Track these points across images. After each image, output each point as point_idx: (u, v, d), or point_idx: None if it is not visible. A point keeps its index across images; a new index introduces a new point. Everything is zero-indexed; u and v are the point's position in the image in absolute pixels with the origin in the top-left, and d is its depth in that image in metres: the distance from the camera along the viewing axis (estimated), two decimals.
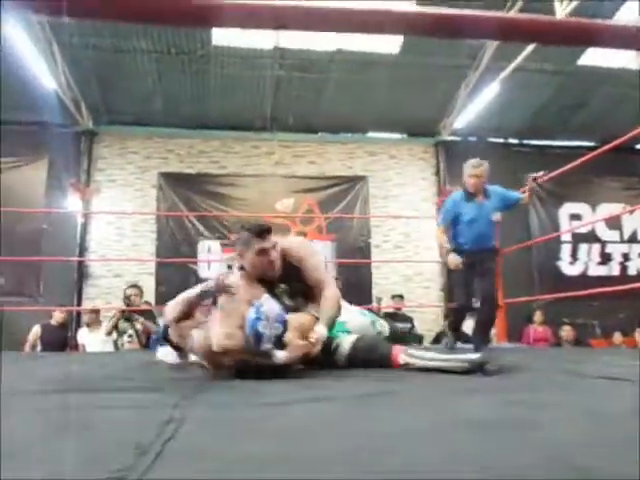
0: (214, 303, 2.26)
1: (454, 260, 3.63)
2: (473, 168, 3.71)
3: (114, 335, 5.30)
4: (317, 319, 2.24)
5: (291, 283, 2.40)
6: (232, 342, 2.03)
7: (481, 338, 3.68)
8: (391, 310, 6.58)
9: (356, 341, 2.34)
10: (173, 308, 2.35)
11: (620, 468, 0.77)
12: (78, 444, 0.96)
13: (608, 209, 9.02)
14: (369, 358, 2.28)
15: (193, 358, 2.61)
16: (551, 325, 7.40)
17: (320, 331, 2.15)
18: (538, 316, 7.32)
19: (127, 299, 5.38)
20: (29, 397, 1.59)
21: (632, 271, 9.12)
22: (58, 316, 6.15)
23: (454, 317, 4.05)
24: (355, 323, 2.56)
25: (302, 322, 2.20)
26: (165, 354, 2.64)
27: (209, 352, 2.10)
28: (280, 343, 2.04)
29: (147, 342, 5.35)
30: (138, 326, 5.24)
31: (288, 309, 2.35)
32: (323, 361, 2.23)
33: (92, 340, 5.76)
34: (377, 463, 0.82)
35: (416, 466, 0.80)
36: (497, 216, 3.76)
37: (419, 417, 1.21)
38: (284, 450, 0.92)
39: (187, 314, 2.32)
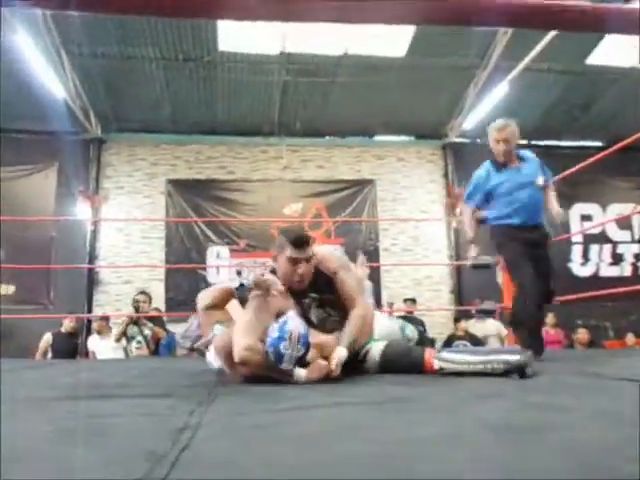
0: (242, 303, 2.22)
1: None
2: (498, 132, 3.10)
3: (123, 342, 5.30)
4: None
5: (322, 293, 2.34)
6: (252, 355, 2.00)
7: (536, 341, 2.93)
8: (403, 314, 6.53)
9: (386, 347, 2.25)
10: (206, 296, 2.34)
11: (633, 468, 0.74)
12: (92, 452, 0.94)
13: (619, 209, 8.94)
14: (401, 364, 2.19)
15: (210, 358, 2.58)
16: (563, 327, 7.33)
17: (340, 354, 2.07)
18: (550, 318, 7.24)
19: (136, 303, 5.38)
20: (42, 405, 1.58)
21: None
22: (68, 325, 6.15)
23: (523, 310, 3.00)
24: (383, 329, 2.47)
25: (325, 342, 2.15)
26: (212, 359, 2.60)
27: (229, 356, 2.08)
28: (301, 362, 2.00)
29: (156, 348, 5.35)
30: (147, 332, 5.24)
31: (317, 320, 2.31)
32: (351, 370, 2.16)
33: (102, 347, 5.75)
34: (403, 470, 0.80)
35: (444, 473, 0.78)
36: (541, 180, 3.10)
37: (443, 422, 1.18)
38: (305, 457, 0.89)
39: (219, 305, 2.30)
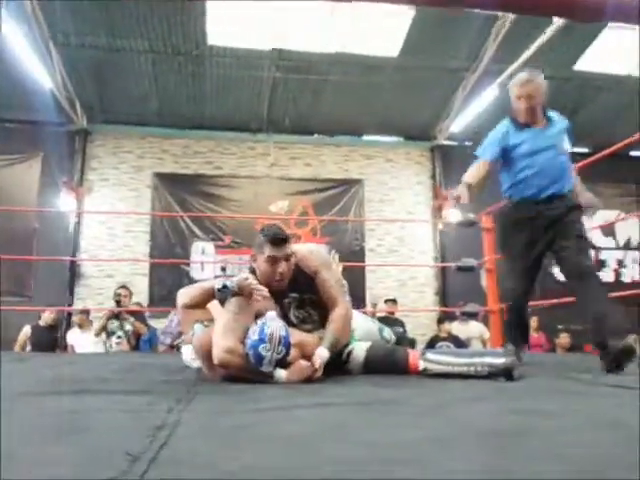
0: (222, 302, 2.18)
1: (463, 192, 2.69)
2: (520, 86, 2.65)
3: (103, 336, 5.23)
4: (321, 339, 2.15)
5: (302, 292, 2.31)
6: (232, 358, 1.96)
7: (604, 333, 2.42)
8: (384, 314, 6.54)
9: (370, 348, 2.23)
10: (186, 295, 2.27)
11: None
12: (69, 449, 0.92)
13: (603, 216, 9.02)
14: (386, 365, 2.18)
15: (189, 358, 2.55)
16: (545, 331, 7.39)
17: (322, 355, 2.05)
18: (533, 322, 7.30)
19: (117, 297, 5.31)
20: (18, 399, 1.54)
21: (626, 278, 9.13)
22: (47, 317, 6.06)
23: (510, 313, 2.90)
24: (363, 331, 2.45)
25: (305, 341, 2.12)
26: (189, 359, 2.56)
27: (208, 357, 2.05)
28: (282, 364, 1.97)
29: (137, 344, 5.29)
30: (128, 327, 5.17)
31: (297, 319, 2.29)
32: (333, 371, 2.13)
33: (82, 341, 5.69)
34: (386, 473, 0.78)
35: (428, 476, 0.76)
36: (568, 145, 2.72)
37: (427, 426, 1.17)
38: (285, 458, 0.87)
39: (199, 304, 2.24)
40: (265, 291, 2.11)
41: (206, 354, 2.06)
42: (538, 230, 2.64)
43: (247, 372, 1.96)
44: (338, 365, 2.18)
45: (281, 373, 1.96)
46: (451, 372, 2.05)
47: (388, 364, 2.18)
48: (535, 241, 2.65)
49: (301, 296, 2.32)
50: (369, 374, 2.17)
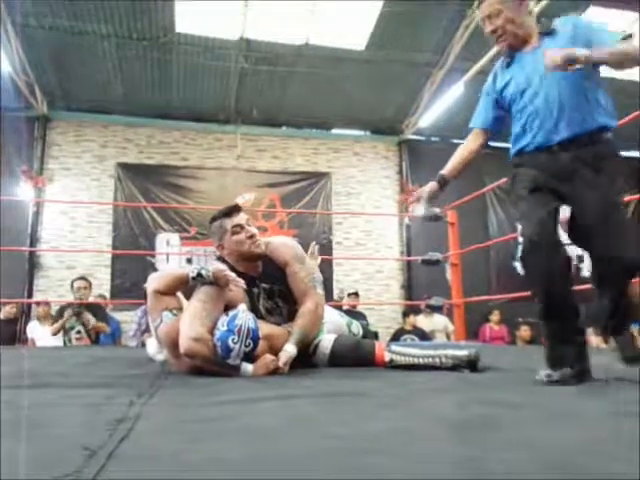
0: (190, 292, 2.14)
1: None
2: (481, 7, 1.96)
3: (61, 332, 5.07)
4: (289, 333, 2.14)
5: (272, 283, 2.31)
6: (199, 347, 1.92)
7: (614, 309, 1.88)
8: (346, 307, 6.57)
9: (336, 340, 2.22)
10: (158, 280, 2.22)
11: (605, 466, 0.75)
12: (27, 444, 0.88)
13: (564, 211, 9.25)
14: (353, 357, 2.17)
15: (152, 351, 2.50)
16: (507, 324, 7.56)
17: (289, 351, 2.04)
18: (495, 315, 7.47)
19: (77, 292, 5.13)
20: None
21: (586, 272, 9.39)
22: (8, 310, 5.87)
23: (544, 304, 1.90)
24: (332, 325, 2.43)
25: (274, 334, 2.11)
26: (154, 352, 2.50)
27: (174, 346, 2.00)
28: (249, 357, 1.95)
29: (97, 338, 5.17)
30: (85, 318, 4.99)
31: (265, 310, 2.28)
32: (300, 364, 2.12)
33: (42, 334, 5.53)
34: (350, 465, 0.77)
35: (395, 468, 0.76)
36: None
37: (393, 417, 1.17)
38: (248, 451, 0.86)
39: (170, 291, 2.20)
40: (241, 282, 2.09)
41: (173, 343, 2.02)
42: (547, 191, 1.88)
43: (213, 364, 1.94)
44: (304, 358, 2.16)
45: (247, 367, 1.94)
46: (416, 363, 2.07)
47: (355, 356, 2.18)
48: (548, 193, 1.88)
49: (271, 287, 2.31)
50: (335, 366, 2.17)
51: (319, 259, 2.77)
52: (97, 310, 5.25)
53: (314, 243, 2.90)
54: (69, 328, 5.00)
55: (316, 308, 2.25)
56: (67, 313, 4.98)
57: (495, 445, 0.88)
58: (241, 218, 2.26)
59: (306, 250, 2.54)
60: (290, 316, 2.28)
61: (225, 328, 1.91)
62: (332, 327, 2.40)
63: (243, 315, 1.96)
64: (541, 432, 0.99)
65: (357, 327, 2.62)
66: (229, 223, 2.23)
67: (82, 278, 5.36)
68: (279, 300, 2.33)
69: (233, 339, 1.88)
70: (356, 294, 6.81)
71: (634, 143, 7.40)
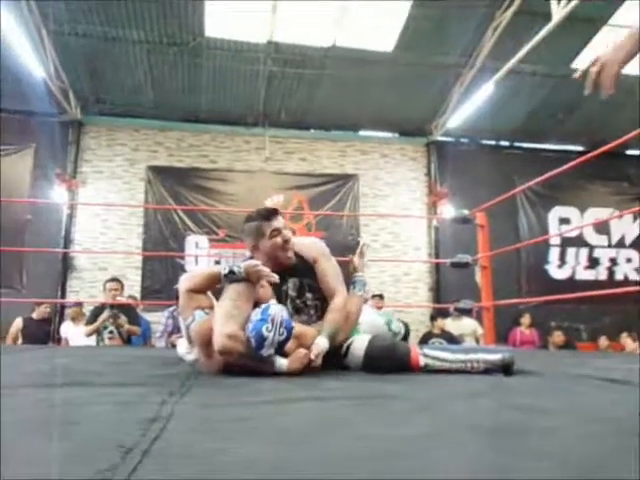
0: (218, 292, 2.14)
1: None
2: None
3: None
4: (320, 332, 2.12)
5: (301, 278, 2.31)
6: (234, 344, 1.91)
7: None
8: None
9: (370, 342, 2.14)
10: (190, 279, 2.23)
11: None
12: (63, 441, 0.90)
13: (596, 214, 9.06)
14: (387, 360, 2.08)
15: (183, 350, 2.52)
16: (538, 328, 7.42)
17: (320, 344, 2.02)
18: (525, 319, 7.33)
19: (110, 292, 5.19)
20: (11, 392, 1.52)
21: (619, 276, 9.16)
22: (41, 310, 6.00)
23: None
24: (368, 324, 2.38)
25: (304, 333, 2.09)
26: (184, 352, 2.52)
27: (207, 344, 2.01)
28: (282, 350, 1.94)
29: (128, 339, 5.23)
30: (120, 321, 5.06)
31: (293, 309, 2.27)
32: (332, 365, 2.09)
33: (75, 334, 5.64)
34: (381, 468, 0.77)
35: (425, 472, 0.75)
36: None
37: (423, 421, 1.15)
38: (279, 452, 0.86)
39: (203, 289, 2.21)
40: (275, 277, 2.08)
41: (204, 341, 2.02)
42: None
43: (248, 359, 1.93)
44: (337, 359, 2.14)
45: (282, 361, 1.94)
46: (449, 368, 2.04)
47: (390, 360, 2.09)
48: None
49: (300, 281, 2.31)
50: (369, 369, 2.10)
51: (366, 258, 2.72)
52: (129, 312, 5.31)
53: (363, 242, 2.88)
54: (102, 329, 5.08)
55: (344, 304, 2.23)
56: (103, 315, 5.03)
57: (526, 453, 0.86)
58: (280, 222, 2.26)
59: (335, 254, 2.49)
60: (320, 315, 2.27)
61: (259, 317, 1.92)
62: (368, 327, 2.35)
63: (276, 306, 1.98)
64: (571, 439, 0.97)
65: (398, 325, 2.53)
66: (268, 227, 2.23)
67: (115, 279, 5.42)
68: (308, 296, 2.31)
69: (267, 327, 1.88)
70: (380, 296, 6.73)
71: None
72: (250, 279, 2.08)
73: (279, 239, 2.22)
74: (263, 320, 1.90)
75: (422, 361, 2.07)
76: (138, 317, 5.51)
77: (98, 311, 5.20)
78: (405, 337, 2.58)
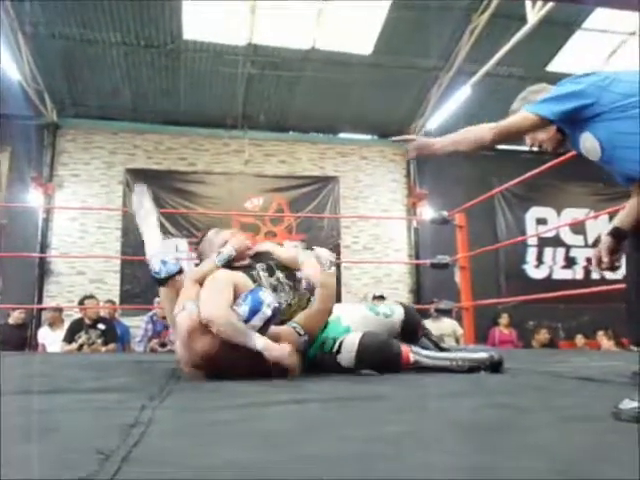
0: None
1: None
2: None
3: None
4: (298, 333, 2.08)
5: (267, 261, 2.39)
6: (221, 313, 1.90)
7: None
8: None
9: (363, 338, 2.12)
10: (195, 271, 2.32)
11: (618, 473, 0.74)
12: (40, 448, 0.89)
13: (573, 214, 9.21)
14: (379, 356, 2.08)
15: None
16: (516, 328, 7.51)
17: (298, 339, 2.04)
18: (504, 319, 7.42)
19: (86, 311, 5.23)
20: None
21: (595, 275, 9.31)
22: (17, 316, 5.92)
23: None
24: (353, 316, 2.32)
25: (281, 333, 2.06)
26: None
27: (189, 333, 1.98)
28: (265, 329, 1.93)
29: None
30: (95, 346, 5.07)
31: (271, 286, 2.32)
32: (322, 365, 2.10)
33: (53, 339, 5.57)
34: (364, 468, 0.77)
35: (408, 471, 0.76)
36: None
37: (407, 421, 1.17)
38: (261, 455, 0.86)
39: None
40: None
41: (189, 330, 1.99)
42: None
43: (233, 330, 1.90)
44: (327, 357, 2.14)
45: (261, 340, 1.90)
46: (436, 365, 2.10)
47: (380, 356, 2.10)
48: None
49: (267, 263, 2.38)
50: (361, 367, 2.10)
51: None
52: (107, 329, 5.30)
53: (295, 244, 2.97)
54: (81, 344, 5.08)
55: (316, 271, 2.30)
56: (80, 341, 5.06)
57: (506, 450, 0.87)
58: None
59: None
60: (295, 291, 2.36)
61: (258, 289, 2.00)
62: (357, 320, 2.31)
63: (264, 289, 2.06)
64: (554, 436, 0.99)
65: (388, 308, 2.44)
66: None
67: (90, 296, 5.46)
68: (280, 275, 2.35)
69: (264, 293, 1.95)
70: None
71: None
72: (241, 255, 2.30)
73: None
74: (260, 287, 2.02)
75: (412, 358, 2.11)
76: (115, 329, 5.46)
77: (75, 327, 5.18)
78: (410, 317, 2.46)
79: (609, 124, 1.61)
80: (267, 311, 1.90)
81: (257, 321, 1.90)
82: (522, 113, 1.79)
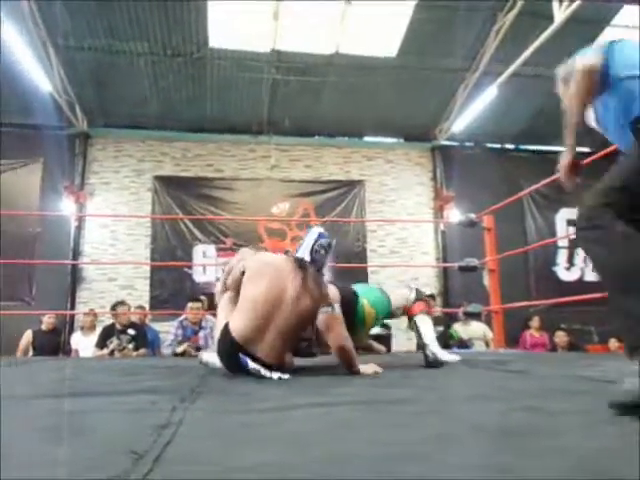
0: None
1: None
2: None
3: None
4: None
5: None
6: (348, 344, 2.30)
7: None
8: None
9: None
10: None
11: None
12: (74, 449, 0.91)
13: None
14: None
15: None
16: (548, 331, 7.37)
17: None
18: (535, 322, 7.29)
19: (119, 316, 5.32)
20: (23, 402, 1.53)
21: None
22: (48, 322, 6.06)
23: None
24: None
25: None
26: (210, 357, 2.53)
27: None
28: (328, 254, 2.35)
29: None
30: (126, 352, 5.15)
31: None
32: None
33: (86, 344, 5.67)
34: (389, 472, 0.77)
35: (435, 474, 0.75)
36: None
37: (431, 424, 1.16)
38: (287, 457, 0.87)
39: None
40: None
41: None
42: None
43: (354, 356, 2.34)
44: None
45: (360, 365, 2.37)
46: (419, 341, 2.75)
47: None
48: None
49: None
50: None
51: None
52: (138, 328, 5.40)
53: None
54: (110, 343, 5.17)
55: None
56: (111, 347, 5.14)
57: (532, 453, 0.86)
58: None
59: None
60: None
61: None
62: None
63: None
64: (580, 440, 0.97)
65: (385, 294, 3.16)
66: None
67: (121, 303, 5.56)
68: None
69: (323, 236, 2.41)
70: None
71: None
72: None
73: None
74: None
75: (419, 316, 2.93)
76: (145, 336, 5.54)
77: (107, 332, 5.28)
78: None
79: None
80: (321, 249, 2.35)
81: (317, 249, 2.34)
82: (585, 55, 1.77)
